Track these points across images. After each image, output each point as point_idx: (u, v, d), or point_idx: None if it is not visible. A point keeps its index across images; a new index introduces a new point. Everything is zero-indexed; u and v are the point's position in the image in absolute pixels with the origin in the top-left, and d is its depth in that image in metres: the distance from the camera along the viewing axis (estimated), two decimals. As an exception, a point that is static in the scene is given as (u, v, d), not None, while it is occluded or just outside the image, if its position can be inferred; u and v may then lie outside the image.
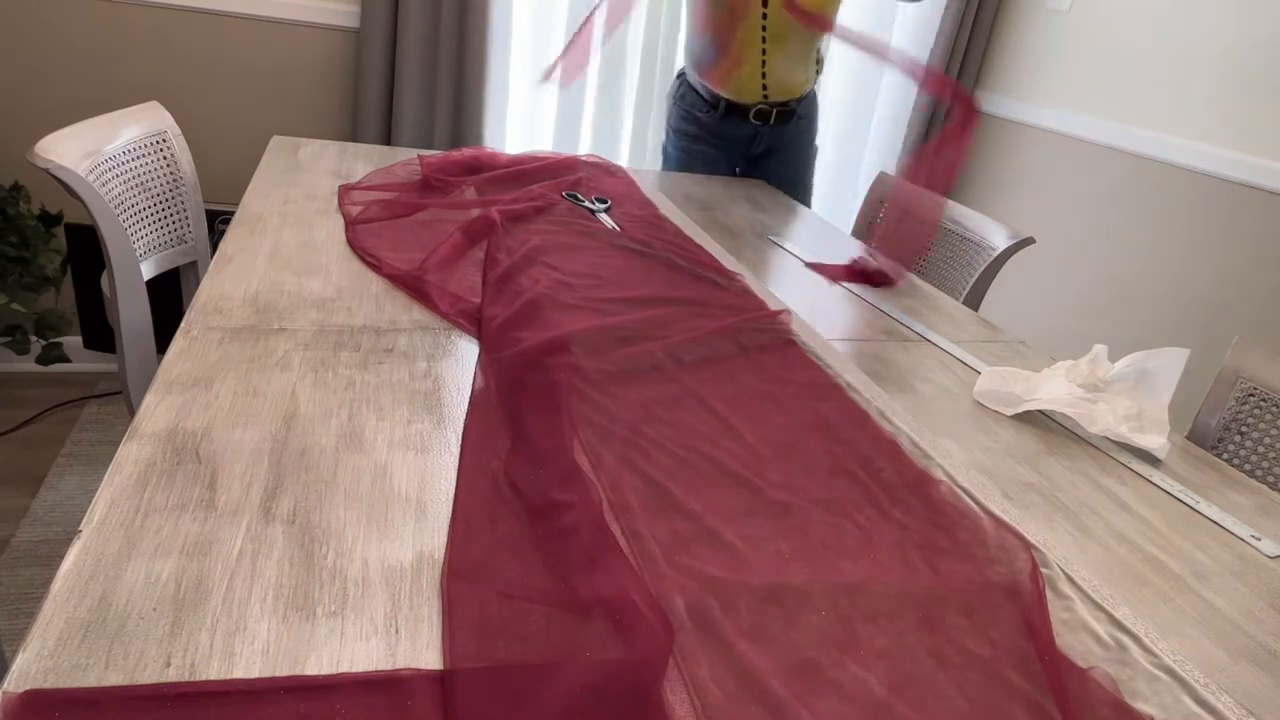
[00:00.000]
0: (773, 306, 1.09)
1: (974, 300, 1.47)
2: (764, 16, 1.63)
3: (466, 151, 1.53)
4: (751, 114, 1.78)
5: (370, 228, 1.15)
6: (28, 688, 0.42)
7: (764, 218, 1.58)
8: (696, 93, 1.81)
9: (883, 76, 2.35)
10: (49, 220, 1.85)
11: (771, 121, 1.80)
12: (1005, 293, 2.25)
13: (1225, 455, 0.99)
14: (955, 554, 0.65)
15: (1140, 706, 0.53)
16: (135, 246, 1.21)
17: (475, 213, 1.26)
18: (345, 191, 1.29)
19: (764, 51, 1.67)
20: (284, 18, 1.96)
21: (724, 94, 1.76)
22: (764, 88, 1.73)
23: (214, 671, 0.45)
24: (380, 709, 0.44)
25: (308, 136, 1.97)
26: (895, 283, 1.30)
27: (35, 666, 0.44)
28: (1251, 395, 0.96)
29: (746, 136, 1.82)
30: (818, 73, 1.81)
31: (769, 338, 0.99)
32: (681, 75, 1.86)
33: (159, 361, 0.75)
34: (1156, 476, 0.83)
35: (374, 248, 1.08)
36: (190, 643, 0.47)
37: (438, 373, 0.81)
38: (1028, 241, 1.42)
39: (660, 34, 2.13)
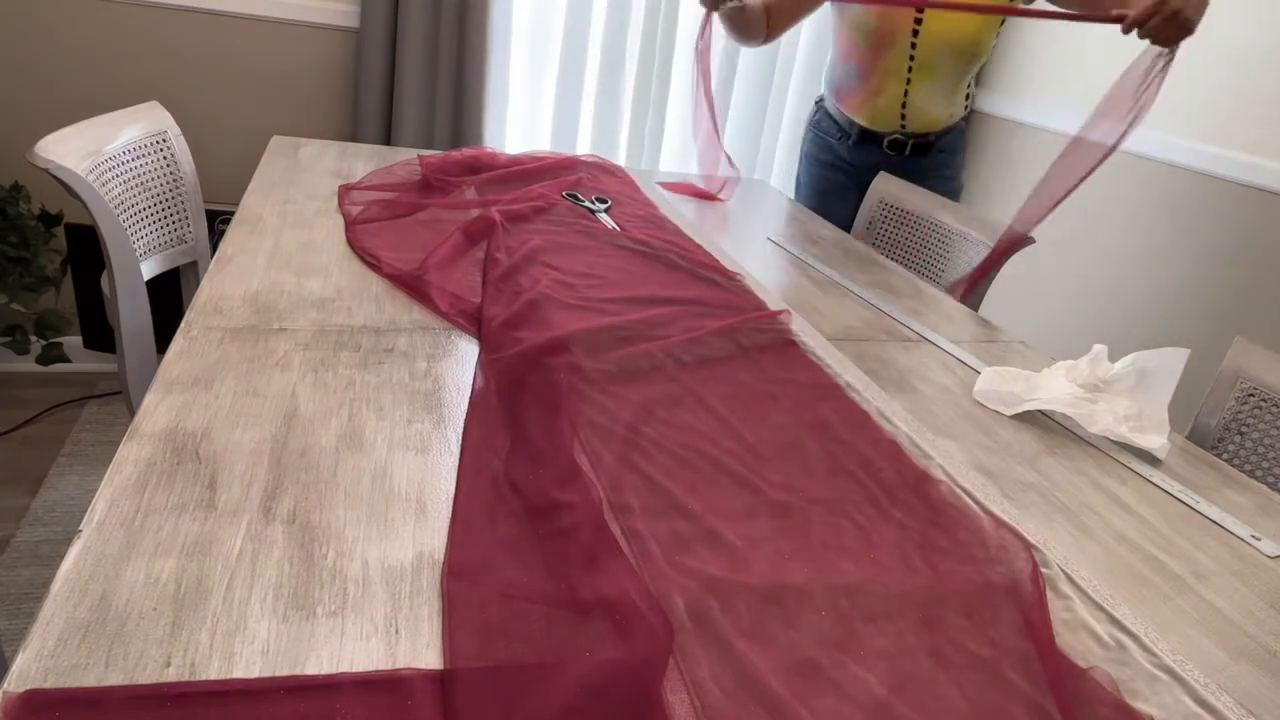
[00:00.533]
0: (773, 307, 1.09)
1: (974, 300, 1.47)
2: (913, 46, 1.56)
3: (466, 151, 1.53)
4: (885, 143, 1.71)
5: (370, 228, 1.15)
6: (28, 687, 0.42)
7: (764, 218, 1.58)
8: (832, 119, 1.77)
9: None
10: (49, 220, 1.85)
11: (907, 152, 1.71)
12: (1005, 293, 2.25)
13: (1225, 455, 0.99)
14: (955, 554, 0.65)
15: (1140, 706, 0.53)
16: (135, 246, 1.21)
17: (475, 213, 1.26)
18: (345, 191, 1.29)
19: (908, 81, 1.61)
20: (284, 18, 1.96)
21: (859, 120, 1.71)
22: (902, 117, 1.66)
23: (214, 671, 0.45)
24: (380, 709, 0.44)
25: (308, 136, 1.97)
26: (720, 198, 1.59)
27: (35, 666, 0.44)
28: (1251, 395, 0.96)
29: (877, 165, 1.75)
30: (966, 107, 1.71)
31: (769, 338, 0.99)
32: (819, 102, 1.84)
33: (159, 361, 0.75)
34: (1156, 476, 0.83)
35: (374, 248, 1.08)
36: (190, 642, 0.47)
37: (438, 373, 0.81)
38: (1027, 241, 1.42)
39: (658, 33, 2.13)
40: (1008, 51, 2.31)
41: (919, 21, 1.53)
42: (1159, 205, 1.85)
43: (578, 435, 0.73)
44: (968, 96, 1.70)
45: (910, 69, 1.58)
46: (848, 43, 1.64)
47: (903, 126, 1.68)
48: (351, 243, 1.09)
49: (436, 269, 1.03)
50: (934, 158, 1.73)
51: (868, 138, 1.72)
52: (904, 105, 1.64)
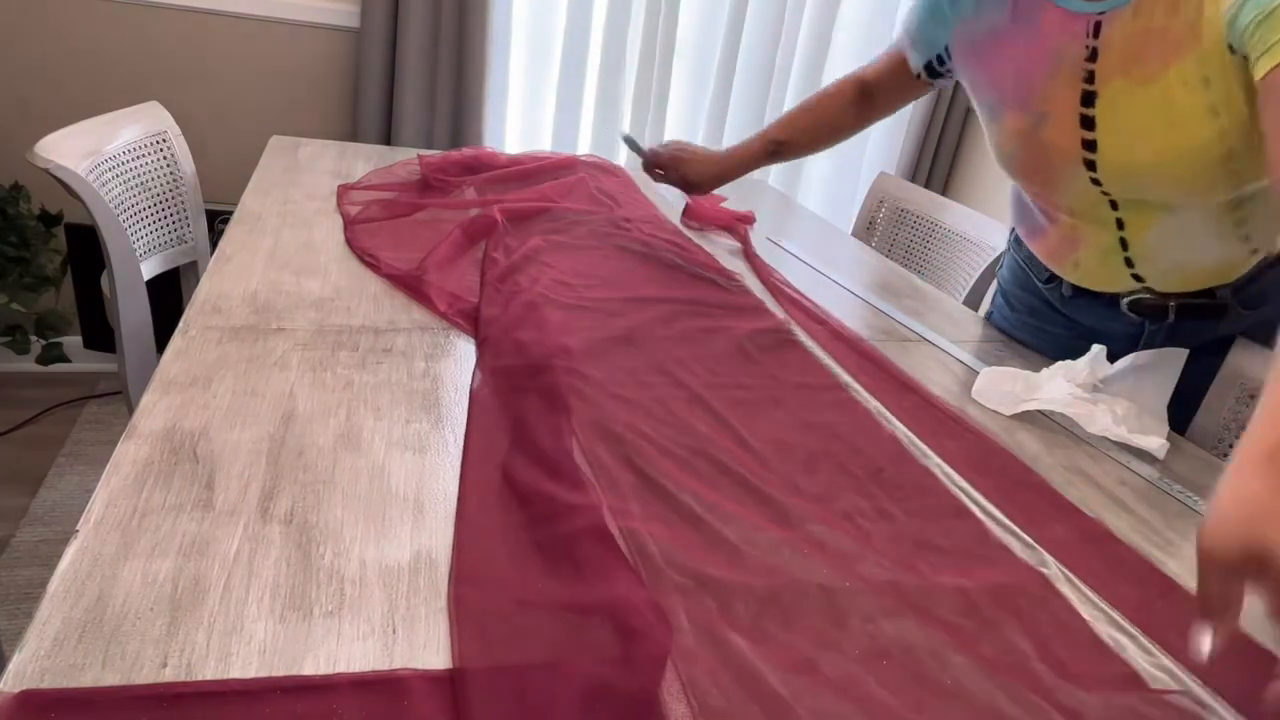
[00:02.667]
0: (772, 307, 1.09)
1: (974, 300, 1.47)
2: (1096, 183, 0.89)
3: (466, 151, 1.53)
4: (1125, 304, 0.99)
5: (369, 228, 1.15)
6: (24, 688, 0.42)
7: (764, 218, 1.58)
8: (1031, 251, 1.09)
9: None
10: (49, 220, 1.85)
11: (1171, 318, 0.97)
12: (1005, 293, 2.24)
13: (1226, 456, 0.98)
14: (955, 554, 0.65)
15: (1140, 708, 0.53)
16: (135, 246, 1.21)
17: (475, 212, 1.25)
18: (344, 191, 1.29)
19: (1120, 224, 0.92)
20: (284, 18, 1.96)
21: (1064, 277, 1.04)
22: (1136, 276, 0.96)
23: (211, 671, 0.45)
24: (377, 709, 0.44)
25: (308, 136, 1.97)
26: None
27: (32, 666, 0.44)
28: (1253, 396, 0.96)
29: (1125, 335, 1.01)
30: None
31: (770, 338, 0.99)
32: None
33: (159, 361, 0.75)
34: (1156, 476, 0.82)
35: (372, 247, 1.08)
36: (187, 643, 0.47)
37: (436, 373, 0.81)
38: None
39: (658, 33, 2.13)
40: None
41: (1090, 145, 0.87)
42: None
43: (577, 437, 0.73)
44: None
45: (1116, 205, 0.91)
46: (1002, 147, 0.97)
47: (1143, 284, 0.97)
48: (350, 242, 1.09)
49: (435, 269, 1.03)
50: (1238, 317, 0.96)
51: (1087, 292, 1.03)
52: (1129, 262, 0.95)
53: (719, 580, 0.58)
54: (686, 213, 1.43)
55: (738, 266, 1.19)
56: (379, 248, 1.08)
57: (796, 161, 2.38)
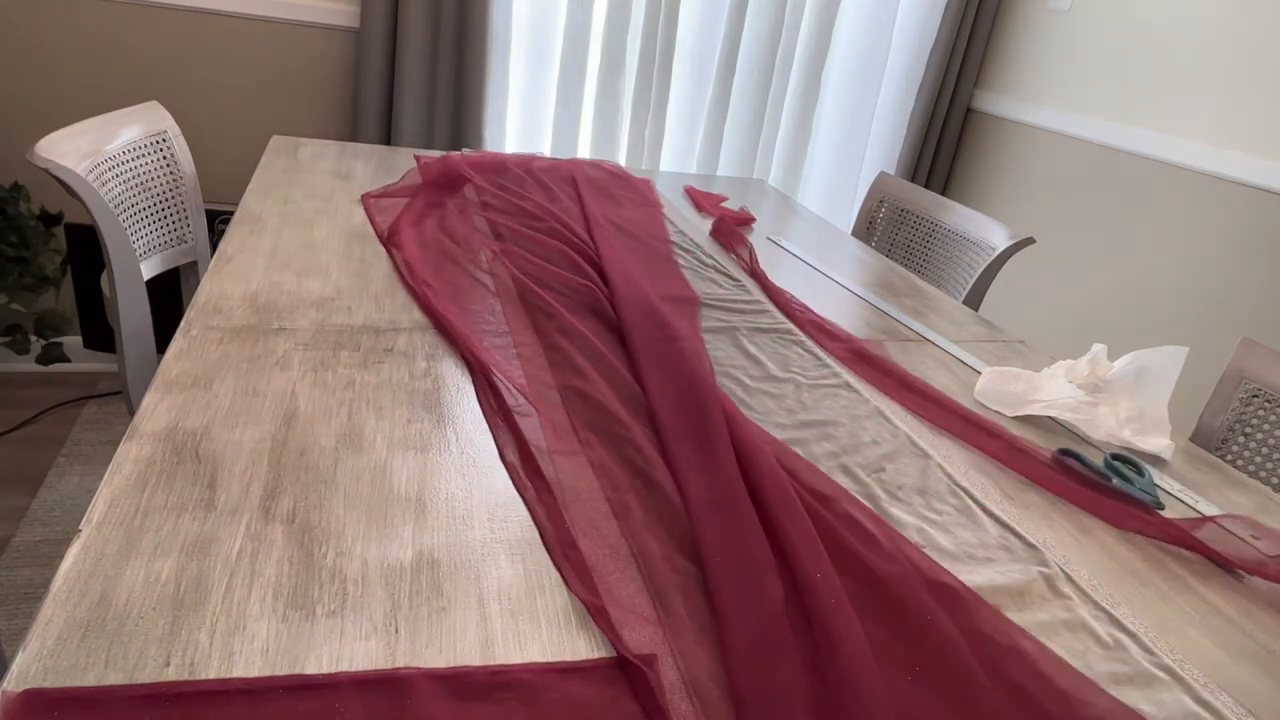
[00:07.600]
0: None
1: (974, 300, 1.47)
2: None
3: (472, 155, 1.52)
4: None
5: (411, 248, 1.09)
6: (27, 687, 0.42)
7: (764, 217, 1.58)
8: None
9: (883, 76, 2.35)
10: (49, 220, 1.85)
11: None
12: (1005, 293, 2.25)
13: (1230, 456, 0.99)
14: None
15: (1139, 705, 0.53)
16: (135, 246, 1.21)
17: (480, 220, 1.25)
18: (370, 201, 1.25)
19: None
20: (284, 18, 1.96)
21: None
22: None
23: (213, 671, 0.45)
24: (380, 708, 0.44)
25: (308, 136, 1.96)
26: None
27: (35, 666, 0.44)
28: (1256, 396, 0.96)
29: None
30: None
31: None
32: None
33: (159, 361, 0.75)
34: (1157, 476, 0.82)
35: (427, 278, 1.02)
36: (190, 642, 0.47)
37: (437, 372, 0.81)
38: (1028, 241, 1.42)
39: (658, 33, 2.13)
40: (1008, 52, 2.31)
41: None
42: (1159, 205, 1.85)
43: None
44: None
45: None
46: None
47: None
48: (401, 272, 1.04)
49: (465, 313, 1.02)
50: None
51: None
52: None
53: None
54: (715, 229, 1.41)
55: (746, 281, 1.19)
56: (435, 284, 0.99)
57: (796, 161, 2.38)
